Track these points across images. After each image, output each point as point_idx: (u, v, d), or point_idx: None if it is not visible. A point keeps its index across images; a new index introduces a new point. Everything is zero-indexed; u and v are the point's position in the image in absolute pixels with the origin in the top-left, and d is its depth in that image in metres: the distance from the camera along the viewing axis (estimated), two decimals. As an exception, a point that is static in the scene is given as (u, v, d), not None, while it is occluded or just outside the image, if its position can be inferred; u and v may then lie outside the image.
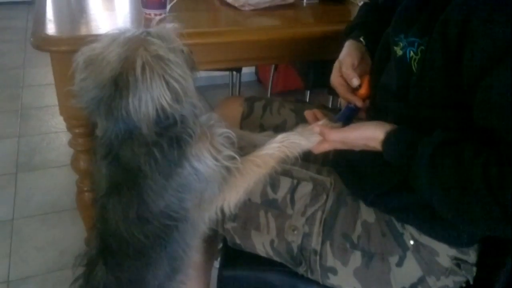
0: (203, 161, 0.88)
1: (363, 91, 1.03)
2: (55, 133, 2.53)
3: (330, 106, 2.18)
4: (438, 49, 0.76)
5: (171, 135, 0.84)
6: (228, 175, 0.92)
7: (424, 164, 0.76)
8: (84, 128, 1.32)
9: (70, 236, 1.83)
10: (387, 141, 0.83)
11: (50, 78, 3.04)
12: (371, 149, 0.86)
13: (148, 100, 0.78)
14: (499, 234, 0.75)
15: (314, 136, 0.94)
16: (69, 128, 1.32)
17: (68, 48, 1.17)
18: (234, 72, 2.47)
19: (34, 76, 3.17)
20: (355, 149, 0.90)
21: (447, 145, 0.75)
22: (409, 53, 0.83)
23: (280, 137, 0.96)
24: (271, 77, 2.63)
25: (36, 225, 1.90)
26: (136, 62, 0.78)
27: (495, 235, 0.80)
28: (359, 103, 1.02)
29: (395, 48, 0.87)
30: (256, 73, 3.19)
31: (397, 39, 0.86)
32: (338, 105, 2.32)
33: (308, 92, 2.17)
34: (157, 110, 0.79)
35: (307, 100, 2.18)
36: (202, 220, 0.97)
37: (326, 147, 0.92)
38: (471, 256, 0.92)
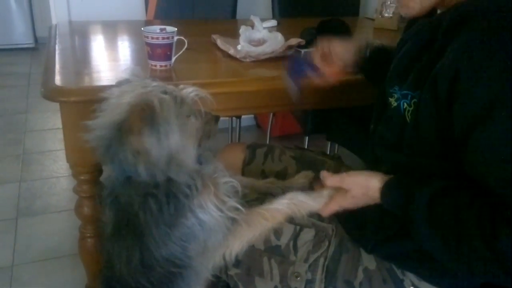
0: (208, 211, 0.91)
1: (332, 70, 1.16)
2: (56, 178, 2.55)
3: (328, 152, 2.22)
4: (430, 103, 0.80)
5: (170, 188, 0.87)
6: (232, 225, 0.94)
7: (421, 214, 0.79)
8: (89, 175, 1.34)
9: (71, 282, 1.82)
10: (384, 190, 0.87)
11: (52, 123, 3.14)
12: (372, 201, 0.90)
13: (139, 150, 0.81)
14: (498, 283, 0.77)
15: (321, 197, 0.98)
16: (75, 174, 1.35)
17: (77, 98, 1.22)
18: (234, 118, 2.53)
19: (36, 121, 3.23)
20: (358, 204, 0.93)
21: (443, 195, 0.78)
22: (403, 104, 0.88)
23: (289, 195, 1.01)
24: (270, 123, 2.69)
25: (36, 271, 1.88)
26: (134, 115, 0.81)
27: (495, 283, 0.82)
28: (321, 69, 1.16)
29: (390, 99, 0.92)
30: (255, 118, 3.26)
31: (392, 91, 0.91)
32: (335, 152, 2.37)
33: (307, 138, 2.22)
34: (146, 161, 0.82)
35: (306, 145, 2.22)
36: (205, 267, 0.99)
37: (332, 208, 0.96)
38: (470, 302, 0.94)
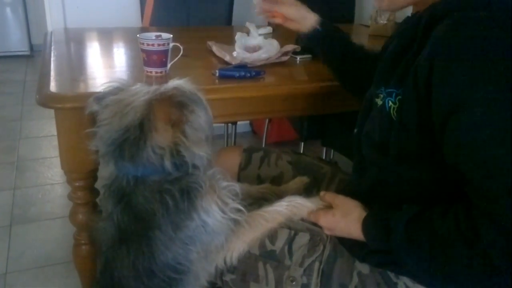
0: (211, 213, 0.92)
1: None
2: (51, 185, 2.54)
3: (324, 157, 2.23)
4: (411, 97, 0.82)
5: (182, 185, 0.88)
6: (235, 227, 0.96)
7: (402, 245, 0.82)
8: (84, 181, 1.34)
9: (64, 290, 1.81)
10: (364, 228, 0.91)
11: (47, 130, 3.13)
12: (347, 229, 0.95)
13: (167, 144, 0.83)
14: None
15: (318, 203, 1.02)
16: (69, 181, 1.34)
17: (72, 105, 1.21)
18: (230, 124, 2.53)
19: (31, 129, 3.22)
20: (334, 227, 0.98)
21: (416, 219, 0.81)
22: (388, 102, 0.89)
23: (288, 198, 1.03)
24: (265, 129, 2.70)
25: (30, 279, 1.87)
26: (155, 113, 0.83)
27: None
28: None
29: (376, 99, 0.93)
30: (251, 124, 3.26)
31: (378, 92, 0.92)
32: (330, 158, 2.37)
33: (302, 143, 2.22)
34: (173, 154, 0.83)
35: (301, 151, 2.23)
36: (206, 271, 0.99)
37: (312, 217, 1.01)
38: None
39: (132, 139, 0.84)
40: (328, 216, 0.97)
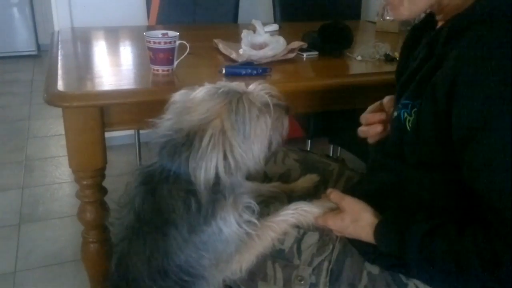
0: (228, 223, 0.93)
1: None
2: (59, 184, 2.55)
3: (331, 154, 2.22)
4: (429, 110, 0.81)
5: (212, 194, 0.89)
6: (247, 239, 0.97)
7: (416, 259, 0.82)
8: (92, 180, 1.34)
9: (73, 288, 1.82)
10: (377, 234, 0.89)
11: (54, 129, 3.15)
12: (357, 235, 0.94)
13: (207, 167, 0.85)
14: None
15: (323, 207, 1.01)
16: (77, 179, 1.34)
17: (80, 103, 1.22)
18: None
19: (39, 128, 3.23)
20: (344, 231, 0.96)
21: (432, 233, 0.80)
22: (403, 114, 0.88)
23: (293, 205, 1.03)
24: (271, 127, 2.69)
25: (39, 277, 1.88)
26: (207, 131, 0.86)
27: None
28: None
29: (395, 112, 0.92)
30: (257, 122, 3.25)
31: (398, 103, 0.91)
32: (338, 155, 2.35)
33: (309, 141, 2.21)
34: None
35: (308, 148, 2.22)
36: (215, 280, 1.00)
37: (320, 221, 1.00)
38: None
39: (177, 143, 0.87)
40: (337, 220, 0.96)
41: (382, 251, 0.91)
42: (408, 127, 0.86)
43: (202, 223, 0.91)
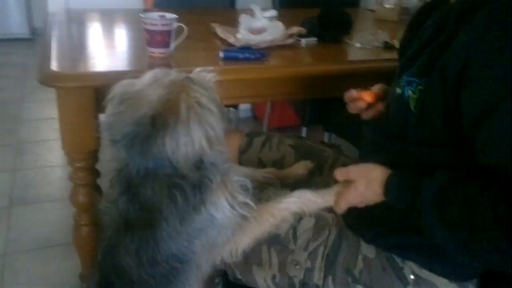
0: (220, 208, 0.90)
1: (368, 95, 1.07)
2: (51, 167, 2.52)
3: (326, 141, 2.21)
4: (437, 91, 0.79)
5: (194, 180, 0.86)
6: (243, 222, 0.94)
7: (429, 206, 0.77)
8: (85, 162, 1.32)
9: (64, 271, 1.80)
10: (388, 185, 0.85)
11: (47, 113, 3.11)
12: (374, 196, 0.88)
13: (187, 143, 0.80)
14: (506, 270, 0.74)
15: (330, 195, 0.97)
16: (70, 162, 1.32)
17: (73, 84, 1.20)
18: (232, 109, 2.51)
19: (31, 111, 3.20)
20: (364, 199, 0.90)
21: (451, 185, 0.76)
22: (407, 91, 0.86)
23: (297, 193, 1.00)
24: (267, 114, 2.67)
25: (29, 260, 1.86)
26: (180, 105, 0.80)
27: (501, 270, 0.80)
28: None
29: (397, 88, 0.90)
30: (252, 109, 3.24)
31: (400, 80, 0.89)
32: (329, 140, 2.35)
33: (305, 128, 2.20)
34: (187, 154, 0.81)
35: (304, 135, 2.21)
36: (207, 263, 0.98)
37: (342, 205, 0.94)
38: (471, 290, 0.93)
39: (143, 135, 0.81)
40: (352, 192, 0.91)
41: (389, 204, 0.86)
42: (411, 105, 0.85)
43: (192, 212, 0.88)
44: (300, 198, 0.99)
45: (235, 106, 2.44)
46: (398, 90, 0.89)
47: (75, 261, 1.53)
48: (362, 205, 0.91)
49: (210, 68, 0.94)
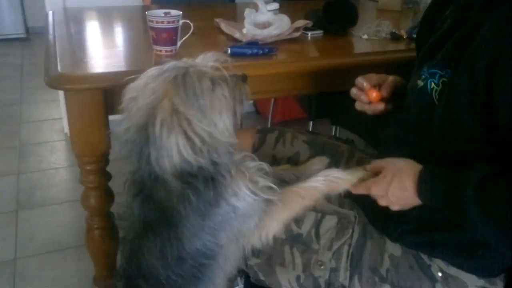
0: (242, 197, 0.88)
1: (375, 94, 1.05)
2: (55, 169, 2.50)
3: (333, 135, 2.19)
4: (464, 82, 0.77)
5: (206, 176, 0.84)
6: (267, 207, 0.92)
7: (472, 201, 0.74)
8: (96, 165, 1.30)
9: (76, 275, 1.79)
10: (421, 180, 0.81)
11: (47, 114, 3.09)
12: (402, 190, 0.84)
13: (166, 154, 0.79)
14: None
15: (357, 174, 0.95)
16: (81, 164, 1.31)
17: (83, 86, 1.18)
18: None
19: (31, 112, 3.17)
20: (391, 194, 0.86)
21: (493, 176, 0.74)
22: (430, 84, 0.84)
23: (324, 172, 0.97)
24: (271, 108, 2.66)
25: (40, 264, 1.85)
26: (156, 117, 0.79)
27: None
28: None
29: (418, 81, 0.88)
30: (255, 104, 3.21)
31: (421, 73, 0.87)
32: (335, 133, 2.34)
33: (311, 122, 2.19)
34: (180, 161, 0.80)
35: (310, 130, 2.19)
36: (235, 255, 0.96)
37: (360, 189, 0.92)
38: (499, 285, 0.92)
39: (138, 142, 0.81)
40: (378, 181, 0.87)
41: (424, 203, 0.82)
42: (435, 99, 0.83)
43: (209, 207, 0.86)
44: (328, 176, 0.96)
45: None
46: (420, 83, 0.87)
47: (87, 264, 1.52)
48: (382, 201, 0.88)
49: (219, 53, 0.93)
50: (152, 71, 0.86)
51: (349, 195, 0.97)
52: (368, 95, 1.05)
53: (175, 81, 0.82)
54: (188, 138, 0.80)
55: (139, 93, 0.83)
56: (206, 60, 0.89)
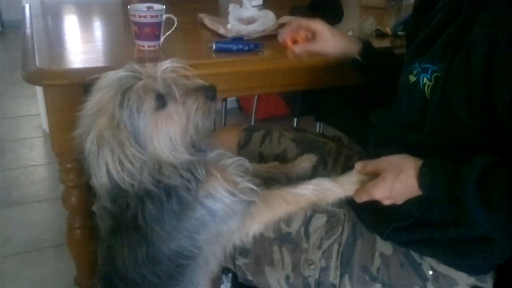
0: (218, 199, 0.86)
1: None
2: (34, 167, 2.44)
3: (318, 132, 2.19)
4: (462, 79, 0.76)
5: (167, 186, 0.82)
6: (249, 207, 0.90)
7: (473, 195, 0.73)
8: (77, 163, 1.26)
9: (56, 274, 1.75)
10: (422, 175, 0.80)
11: (25, 110, 3.02)
12: (403, 189, 0.82)
13: (100, 172, 0.79)
14: None
15: (350, 184, 0.92)
16: (61, 162, 1.27)
17: (62, 82, 1.14)
18: (219, 100, 2.46)
19: (8, 108, 3.08)
20: (389, 192, 0.84)
21: (493, 169, 0.72)
22: (422, 79, 0.84)
23: (315, 181, 0.95)
24: (254, 104, 2.64)
25: (19, 264, 1.80)
26: (90, 133, 0.79)
27: None
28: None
29: (410, 76, 0.87)
30: (238, 100, 3.19)
31: (412, 68, 0.87)
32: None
33: (296, 119, 2.17)
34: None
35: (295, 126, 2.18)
36: (215, 256, 0.95)
37: (363, 197, 0.88)
38: (488, 283, 0.93)
39: (91, 152, 0.80)
40: (379, 184, 0.84)
41: (426, 195, 0.81)
42: (427, 94, 0.82)
43: (184, 210, 0.84)
44: (318, 186, 0.93)
45: (224, 98, 2.39)
46: (412, 78, 0.86)
47: (68, 263, 1.49)
48: (386, 201, 0.85)
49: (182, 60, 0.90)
50: (110, 74, 0.84)
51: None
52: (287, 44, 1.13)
53: (117, 96, 0.79)
54: (118, 160, 0.78)
55: (88, 102, 0.82)
56: (164, 70, 0.85)
